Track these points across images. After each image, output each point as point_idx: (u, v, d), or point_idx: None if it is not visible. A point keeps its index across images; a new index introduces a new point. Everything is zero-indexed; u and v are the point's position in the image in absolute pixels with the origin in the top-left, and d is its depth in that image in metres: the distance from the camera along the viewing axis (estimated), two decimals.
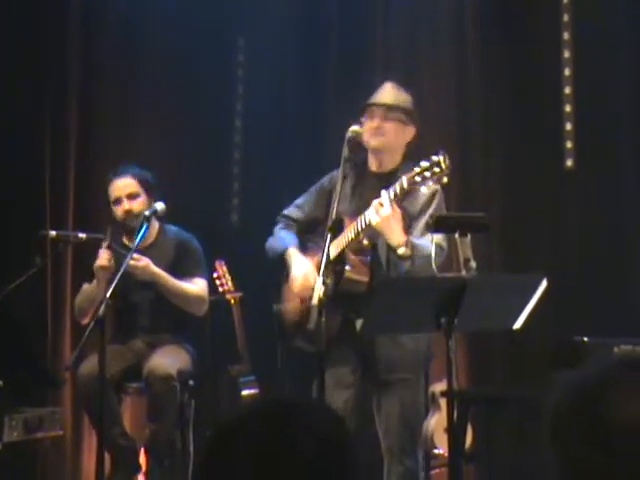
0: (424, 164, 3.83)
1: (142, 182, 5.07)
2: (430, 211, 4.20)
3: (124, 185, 5.05)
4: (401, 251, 4.03)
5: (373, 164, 4.40)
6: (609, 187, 5.77)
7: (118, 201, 5.04)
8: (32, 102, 6.08)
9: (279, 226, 4.59)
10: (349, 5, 6.42)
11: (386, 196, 3.96)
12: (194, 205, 5.85)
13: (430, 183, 3.86)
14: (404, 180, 3.90)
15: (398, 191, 3.94)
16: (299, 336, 4.29)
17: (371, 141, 4.30)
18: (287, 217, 4.59)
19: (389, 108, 4.33)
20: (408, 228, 4.14)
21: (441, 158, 3.79)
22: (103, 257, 4.86)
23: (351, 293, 4.15)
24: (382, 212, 3.96)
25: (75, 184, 6.15)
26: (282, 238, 4.51)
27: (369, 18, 6.39)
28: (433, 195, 4.23)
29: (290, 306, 4.42)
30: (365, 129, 4.28)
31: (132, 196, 5.03)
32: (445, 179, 3.84)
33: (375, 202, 3.99)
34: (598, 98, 5.82)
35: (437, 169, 3.80)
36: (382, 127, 4.30)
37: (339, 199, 3.97)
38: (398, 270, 4.12)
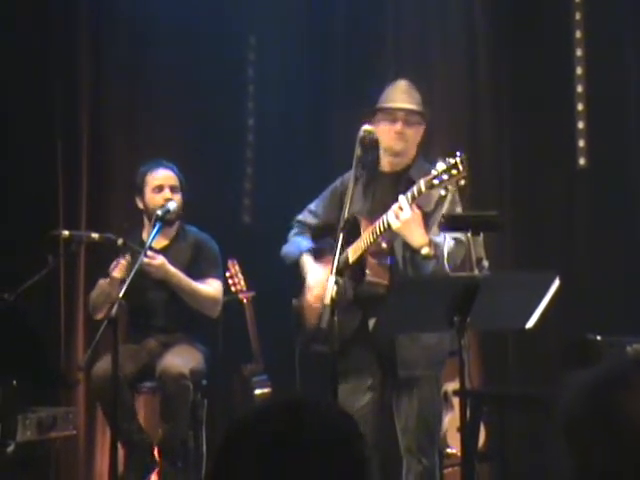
0: (441, 166, 3.77)
1: (180, 181, 5.19)
2: (444, 207, 4.19)
3: (168, 177, 5.17)
4: (424, 251, 4.00)
5: (386, 165, 4.38)
6: (622, 185, 5.76)
7: (160, 189, 5.12)
8: (43, 103, 6.09)
9: (293, 231, 4.60)
10: (360, 5, 6.42)
11: (404, 200, 3.93)
12: (206, 205, 5.85)
13: (448, 186, 3.83)
14: (422, 183, 3.86)
15: (416, 194, 3.90)
16: (317, 340, 4.28)
17: (394, 145, 4.29)
18: (301, 222, 4.60)
19: (411, 112, 4.32)
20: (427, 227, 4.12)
21: (458, 160, 3.75)
22: (120, 268, 4.87)
23: (371, 296, 4.14)
24: (402, 216, 3.93)
25: (88, 184, 6.16)
26: (297, 244, 4.52)
27: (380, 18, 6.38)
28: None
29: (308, 309, 4.41)
30: (383, 131, 4.28)
31: (173, 189, 5.14)
32: (462, 182, 3.81)
33: (394, 207, 3.96)
34: (610, 96, 5.81)
35: (455, 171, 3.74)
36: (405, 132, 4.29)
37: (352, 200, 3.96)
38: (422, 271, 4.10)
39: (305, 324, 4.41)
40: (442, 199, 4.13)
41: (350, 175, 4.18)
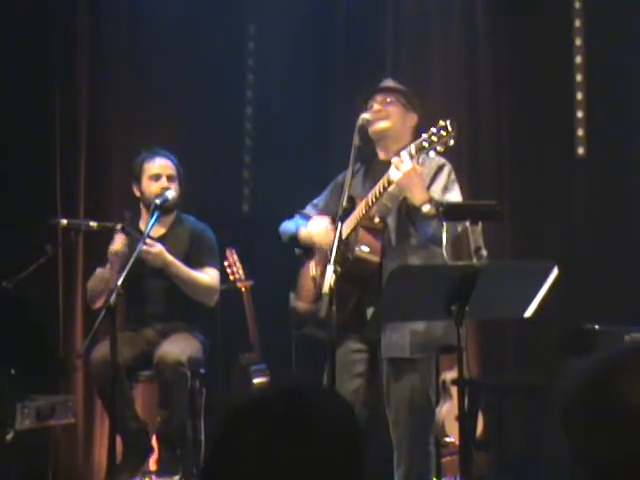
0: (432, 129, 3.84)
1: (178, 171, 5.20)
2: (440, 182, 4.19)
3: (166, 165, 5.16)
4: (426, 209, 4.00)
5: (381, 152, 4.39)
6: (620, 175, 5.77)
7: (157, 177, 5.12)
8: (42, 92, 6.08)
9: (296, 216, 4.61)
10: None
11: (405, 154, 3.95)
12: (205, 193, 5.85)
13: (438, 147, 3.84)
14: (412, 146, 3.92)
15: (408, 156, 3.93)
16: (309, 323, 4.29)
17: (375, 125, 4.29)
18: (303, 214, 4.59)
19: (389, 91, 4.35)
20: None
21: (448, 122, 3.79)
22: (118, 241, 4.90)
23: (362, 274, 4.13)
24: (403, 167, 3.93)
25: (86, 173, 6.16)
26: (296, 221, 4.53)
27: (379, 9, 6.37)
28: (440, 168, 4.23)
29: (303, 293, 4.41)
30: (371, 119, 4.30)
31: (171, 178, 5.14)
32: (452, 142, 3.82)
33: (395, 160, 3.97)
34: (610, 85, 5.81)
35: (443, 132, 3.80)
36: (384, 110, 4.30)
37: (351, 188, 3.96)
38: (424, 233, 4.10)
39: (298, 308, 4.42)
40: (435, 173, 4.15)
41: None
